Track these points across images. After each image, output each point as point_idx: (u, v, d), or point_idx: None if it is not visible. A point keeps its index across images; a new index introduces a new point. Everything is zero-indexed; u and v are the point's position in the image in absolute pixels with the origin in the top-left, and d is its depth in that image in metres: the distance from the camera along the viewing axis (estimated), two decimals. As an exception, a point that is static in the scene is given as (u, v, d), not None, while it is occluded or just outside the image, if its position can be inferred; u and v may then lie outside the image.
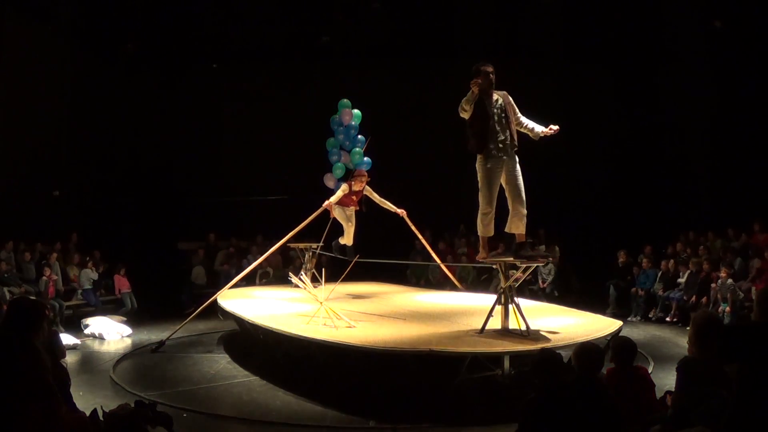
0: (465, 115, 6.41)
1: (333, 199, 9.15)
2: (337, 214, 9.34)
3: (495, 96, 6.41)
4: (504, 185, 6.39)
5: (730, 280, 9.81)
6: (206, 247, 13.53)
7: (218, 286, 12.01)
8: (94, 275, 11.31)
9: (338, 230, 9.56)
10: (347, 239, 9.49)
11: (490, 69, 6.40)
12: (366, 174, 9.22)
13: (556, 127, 6.33)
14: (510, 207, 6.39)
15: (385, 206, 9.34)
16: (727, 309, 9.61)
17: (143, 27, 13.73)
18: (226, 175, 15.28)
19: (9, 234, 11.01)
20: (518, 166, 6.40)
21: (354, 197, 9.21)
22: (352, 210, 9.40)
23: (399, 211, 9.35)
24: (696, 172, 13.39)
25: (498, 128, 6.32)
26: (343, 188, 9.13)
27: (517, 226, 6.34)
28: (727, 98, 12.82)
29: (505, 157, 6.31)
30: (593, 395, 3.67)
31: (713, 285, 10.07)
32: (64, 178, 13.34)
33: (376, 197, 9.30)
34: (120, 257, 12.06)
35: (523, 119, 6.52)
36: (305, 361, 7.11)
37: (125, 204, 14.16)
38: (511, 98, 6.49)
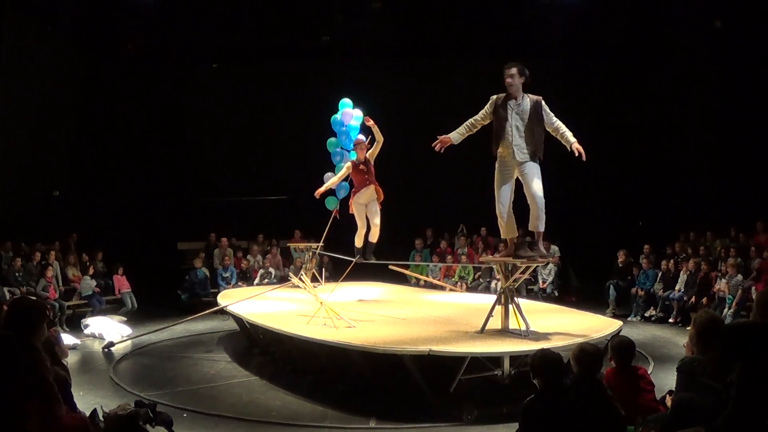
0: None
1: (334, 180, 8.76)
2: (354, 210, 8.74)
3: (523, 99, 6.29)
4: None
5: (739, 276, 9.78)
6: (206, 248, 13.53)
7: (217, 286, 12.13)
8: (92, 283, 11.12)
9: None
10: (357, 239, 8.85)
11: (512, 71, 6.28)
12: (364, 140, 8.58)
13: (580, 151, 6.15)
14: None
15: (379, 142, 8.41)
16: (734, 303, 9.59)
17: (143, 27, 13.73)
18: (227, 175, 15.29)
19: (9, 234, 11.00)
20: (533, 169, 6.23)
21: (363, 168, 8.53)
22: (369, 195, 8.60)
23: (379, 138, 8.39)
24: (696, 172, 13.39)
25: (514, 132, 6.25)
26: (347, 166, 8.66)
27: (532, 224, 6.34)
28: (729, 98, 12.82)
29: (518, 161, 6.23)
30: (593, 395, 3.67)
31: (722, 282, 10.03)
32: (64, 178, 13.34)
33: (375, 148, 8.51)
34: (120, 257, 12.05)
35: (557, 125, 6.33)
36: (305, 360, 7.12)
37: (125, 204, 14.16)
38: (545, 106, 6.31)
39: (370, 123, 8.27)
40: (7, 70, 11.55)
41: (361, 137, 8.76)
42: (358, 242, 8.93)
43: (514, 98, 6.31)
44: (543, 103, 6.32)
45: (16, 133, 11.90)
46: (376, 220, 8.65)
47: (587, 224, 13.42)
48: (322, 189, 8.99)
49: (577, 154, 6.16)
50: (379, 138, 8.34)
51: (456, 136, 6.46)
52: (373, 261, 9.03)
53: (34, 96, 12.27)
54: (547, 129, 6.34)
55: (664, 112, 13.89)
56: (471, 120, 6.49)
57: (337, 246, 9.65)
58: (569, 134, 6.29)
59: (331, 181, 8.98)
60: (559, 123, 6.34)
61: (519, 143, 6.26)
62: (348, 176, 8.92)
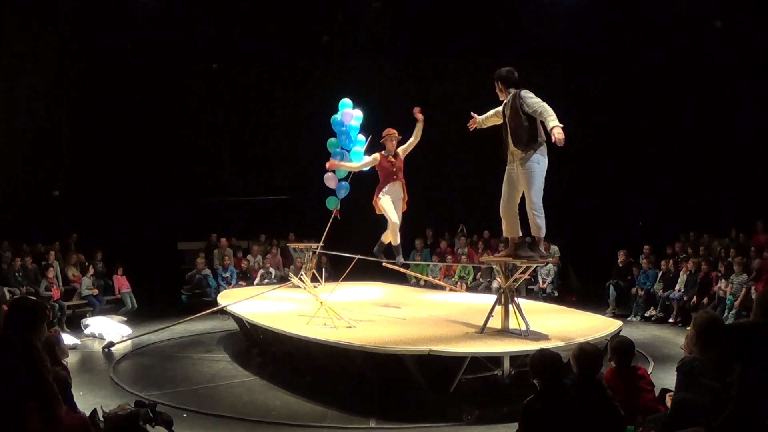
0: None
1: (356, 164, 8.17)
2: (383, 205, 8.01)
3: (508, 99, 6.22)
4: None
5: (744, 275, 9.77)
6: (206, 248, 13.52)
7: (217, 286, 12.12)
8: (92, 287, 11.05)
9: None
10: (392, 236, 8.18)
11: (497, 74, 6.25)
12: (395, 131, 8.00)
13: (557, 139, 5.71)
14: None
15: (416, 139, 7.98)
16: (736, 303, 9.58)
17: (143, 27, 13.74)
18: (226, 175, 15.29)
19: (9, 234, 11.00)
20: (532, 172, 6.06)
21: (392, 160, 7.95)
22: (397, 191, 8.07)
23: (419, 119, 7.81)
24: (696, 172, 13.38)
25: (506, 133, 6.24)
26: (374, 157, 8.05)
27: (531, 228, 6.29)
28: (729, 98, 12.82)
29: (517, 162, 6.18)
30: (592, 395, 3.68)
31: (723, 281, 10.04)
32: (64, 178, 13.34)
33: (411, 144, 8.01)
34: (120, 257, 12.04)
35: (540, 109, 5.90)
36: (305, 360, 7.12)
37: (125, 204, 14.16)
38: (523, 94, 6.06)
39: (420, 117, 7.73)
40: (7, 70, 11.56)
41: (393, 129, 8.18)
42: (394, 240, 8.24)
43: (503, 100, 6.32)
44: (521, 93, 6.09)
45: (16, 133, 11.90)
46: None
47: (587, 224, 13.42)
48: (338, 163, 8.48)
49: (553, 140, 5.72)
50: (417, 137, 7.93)
51: (481, 123, 6.68)
52: (386, 262, 8.82)
53: (34, 96, 12.27)
54: (536, 117, 6.00)
55: (664, 112, 13.89)
56: (489, 112, 6.56)
57: (336, 246, 9.63)
58: (551, 117, 5.79)
59: (353, 164, 8.48)
60: (541, 107, 5.91)
61: (508, 143, 6.22)
62: (348, 175, 8.82)
